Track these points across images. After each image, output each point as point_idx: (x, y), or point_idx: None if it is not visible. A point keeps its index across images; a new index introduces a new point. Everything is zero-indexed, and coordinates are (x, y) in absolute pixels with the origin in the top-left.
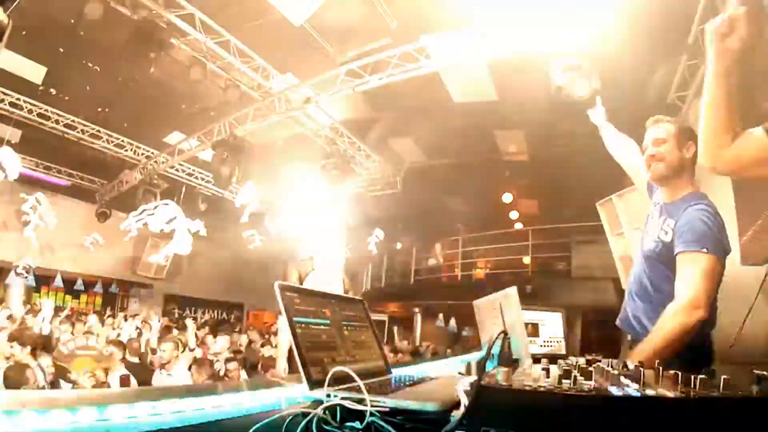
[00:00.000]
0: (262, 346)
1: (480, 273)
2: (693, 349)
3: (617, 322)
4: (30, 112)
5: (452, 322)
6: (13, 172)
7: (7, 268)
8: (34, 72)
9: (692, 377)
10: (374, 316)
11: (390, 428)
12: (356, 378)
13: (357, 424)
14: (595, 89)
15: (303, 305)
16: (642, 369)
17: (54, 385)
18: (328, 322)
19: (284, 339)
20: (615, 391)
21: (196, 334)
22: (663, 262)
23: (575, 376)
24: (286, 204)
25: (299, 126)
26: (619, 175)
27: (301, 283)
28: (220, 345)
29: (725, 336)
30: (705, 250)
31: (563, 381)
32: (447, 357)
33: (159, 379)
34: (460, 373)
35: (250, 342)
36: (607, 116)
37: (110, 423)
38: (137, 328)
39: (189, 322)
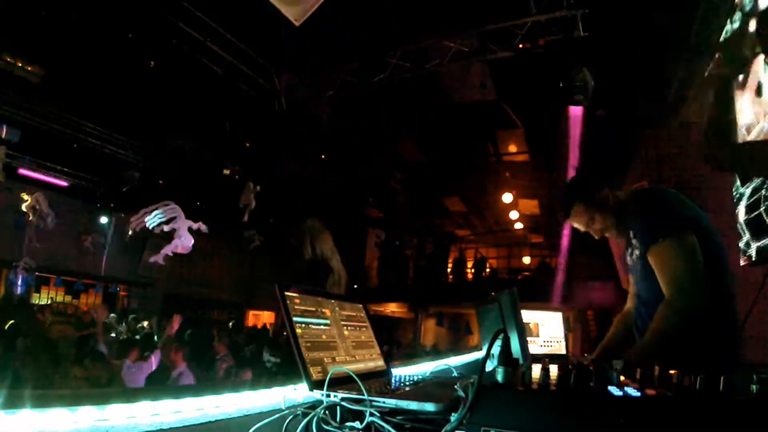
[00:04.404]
0: None
1: (480, 273)
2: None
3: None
4: (30, 112)
5: (452, 321)
6: None
7: (7, 268)
8: (34, 72)
9: (692, 377)
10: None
11: (390, 428)
12: (356, 378)
13: (357, 424)
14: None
15: (303, 305)
16: (642, 369)
17: None
18: (328, 322)
19: None
20: (615, 391)
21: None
22: (644, 274)
23: (575, 376)
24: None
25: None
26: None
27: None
28: None
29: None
30: (661, 239)
31: (563, 381)
32: (447, 357)
33: None
34: (459, 373)
35: None
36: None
37: (110, 423)
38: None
39: None
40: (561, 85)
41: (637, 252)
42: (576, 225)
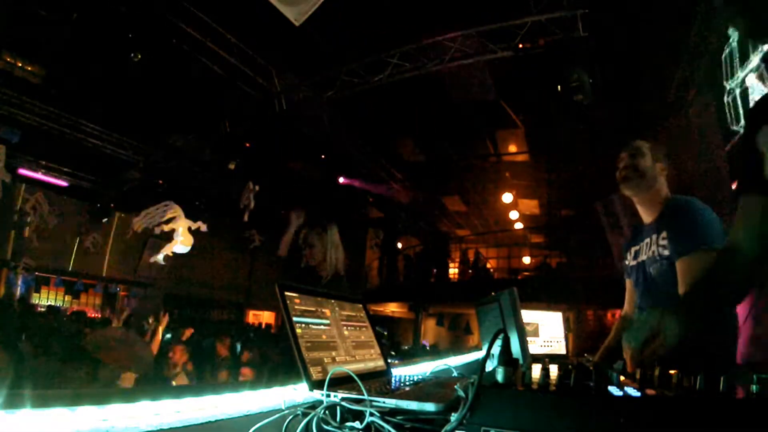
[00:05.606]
0: None
1: (480, 273)
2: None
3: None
4: (30, 112)
5: (452, 321)
6: None
7: (7, 268)
8: (34, 72)
9: (693, 377)
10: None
11: (390, 428)
12: (356, 378)
13: (357, 424)
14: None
15: (303, 305)
16: (642, 369)
17: None
18: (328, 322)
19: None
20: (615, 391)
21: None
22: (667, 280)
23: (575, 376)
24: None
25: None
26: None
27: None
28: None
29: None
30: (696, 249)
31: (563, 381)
32: (447, 356)
33: None
34: (459, 373)
35: None
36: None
37: (110, 423)
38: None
39: None
40: (559, 88)
41: (655, 252)
42: (632, 151)
